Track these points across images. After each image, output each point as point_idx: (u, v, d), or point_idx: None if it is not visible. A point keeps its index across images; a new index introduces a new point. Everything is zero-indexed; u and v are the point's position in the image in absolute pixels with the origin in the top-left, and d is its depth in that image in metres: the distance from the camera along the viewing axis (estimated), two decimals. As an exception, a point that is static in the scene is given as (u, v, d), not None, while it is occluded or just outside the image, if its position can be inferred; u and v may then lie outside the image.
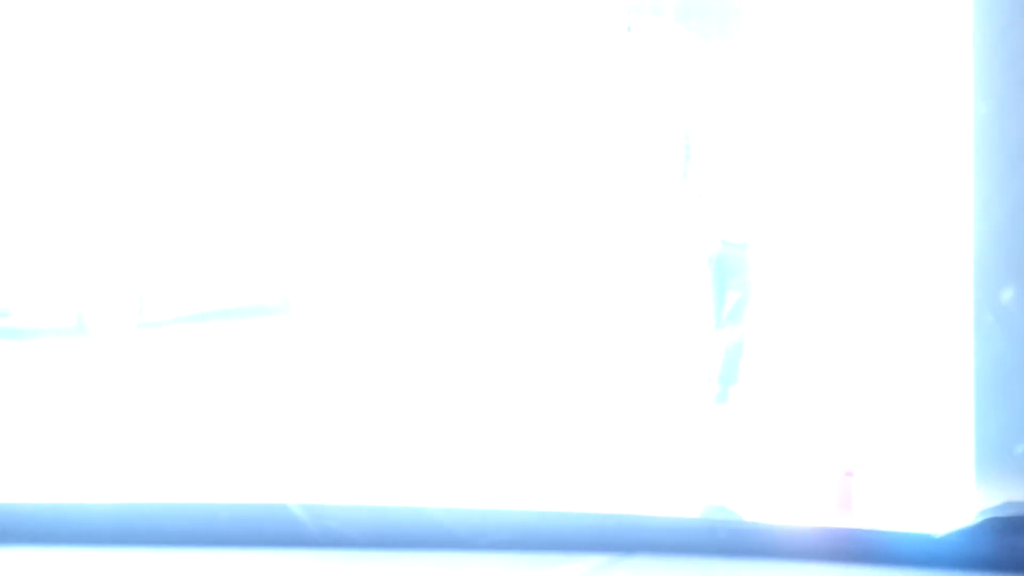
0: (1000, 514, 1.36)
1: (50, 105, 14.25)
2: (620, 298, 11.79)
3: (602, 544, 1.32)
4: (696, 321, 8.61)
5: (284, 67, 14.49)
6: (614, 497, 1.82)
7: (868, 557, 1.33)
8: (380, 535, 1.34)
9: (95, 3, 14.29)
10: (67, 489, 1.52)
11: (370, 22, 14.42)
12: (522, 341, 10.52)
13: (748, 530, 1.42)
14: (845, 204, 4.23)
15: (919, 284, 4.06)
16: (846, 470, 4.50)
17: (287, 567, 1.30)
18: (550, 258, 13.13)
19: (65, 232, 12.01)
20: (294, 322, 12.66)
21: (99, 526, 1.35)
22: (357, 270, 13.67)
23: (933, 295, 3.87)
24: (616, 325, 10.85)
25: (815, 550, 1.35)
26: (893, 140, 3.98)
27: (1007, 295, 3.45)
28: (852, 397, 4.33)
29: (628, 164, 14.08)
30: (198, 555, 1.31)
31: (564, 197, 13.99)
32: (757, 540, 1.37)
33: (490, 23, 14.68)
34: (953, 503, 3.65)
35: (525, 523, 1.37)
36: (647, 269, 12.39)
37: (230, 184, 13.19)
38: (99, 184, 12.71)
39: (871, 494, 4.29)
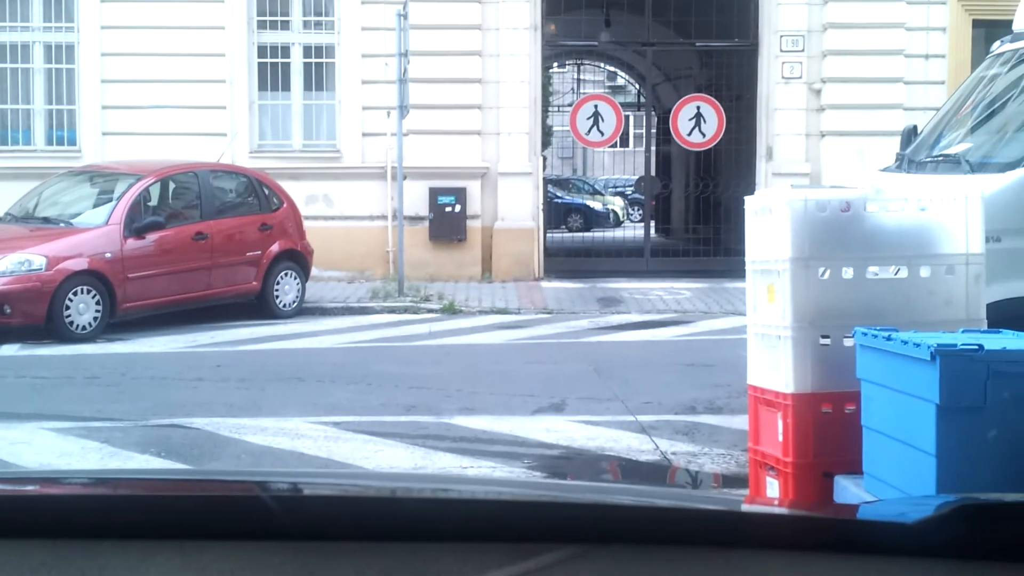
0: (972, 503, 1.37)
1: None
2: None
3: (577, 533, 1.32)
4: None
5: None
6: (588, 486, 1.81)
7: (847, 546, 1.33)
8: (354, 526, 1.33)
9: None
10: (39, 482, 1.50)
11: None
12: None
13: (726, 520, 1.41)
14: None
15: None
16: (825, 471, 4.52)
17: (259, 559, 1.30)
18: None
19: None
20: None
21: (73, 519, 1.34)
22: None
23: None
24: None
25: (792, 540, 1.35)
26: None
27: None
28: None
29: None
30: (172, 547, 1.31)
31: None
32: (735, 529, 1.37)
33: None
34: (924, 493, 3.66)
35: (500, 512, 1.37)
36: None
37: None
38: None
39: (849, 489, 4.31)
